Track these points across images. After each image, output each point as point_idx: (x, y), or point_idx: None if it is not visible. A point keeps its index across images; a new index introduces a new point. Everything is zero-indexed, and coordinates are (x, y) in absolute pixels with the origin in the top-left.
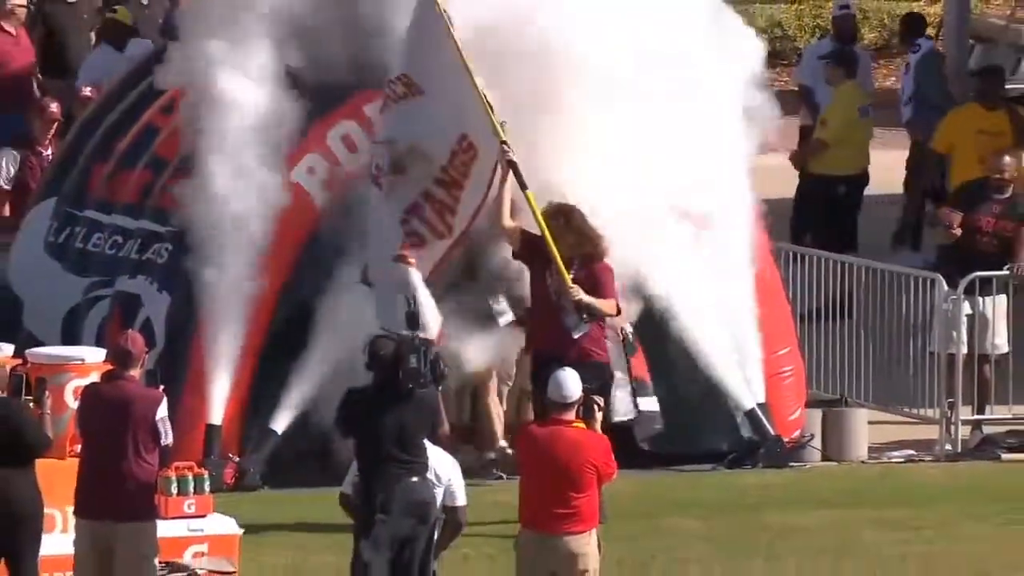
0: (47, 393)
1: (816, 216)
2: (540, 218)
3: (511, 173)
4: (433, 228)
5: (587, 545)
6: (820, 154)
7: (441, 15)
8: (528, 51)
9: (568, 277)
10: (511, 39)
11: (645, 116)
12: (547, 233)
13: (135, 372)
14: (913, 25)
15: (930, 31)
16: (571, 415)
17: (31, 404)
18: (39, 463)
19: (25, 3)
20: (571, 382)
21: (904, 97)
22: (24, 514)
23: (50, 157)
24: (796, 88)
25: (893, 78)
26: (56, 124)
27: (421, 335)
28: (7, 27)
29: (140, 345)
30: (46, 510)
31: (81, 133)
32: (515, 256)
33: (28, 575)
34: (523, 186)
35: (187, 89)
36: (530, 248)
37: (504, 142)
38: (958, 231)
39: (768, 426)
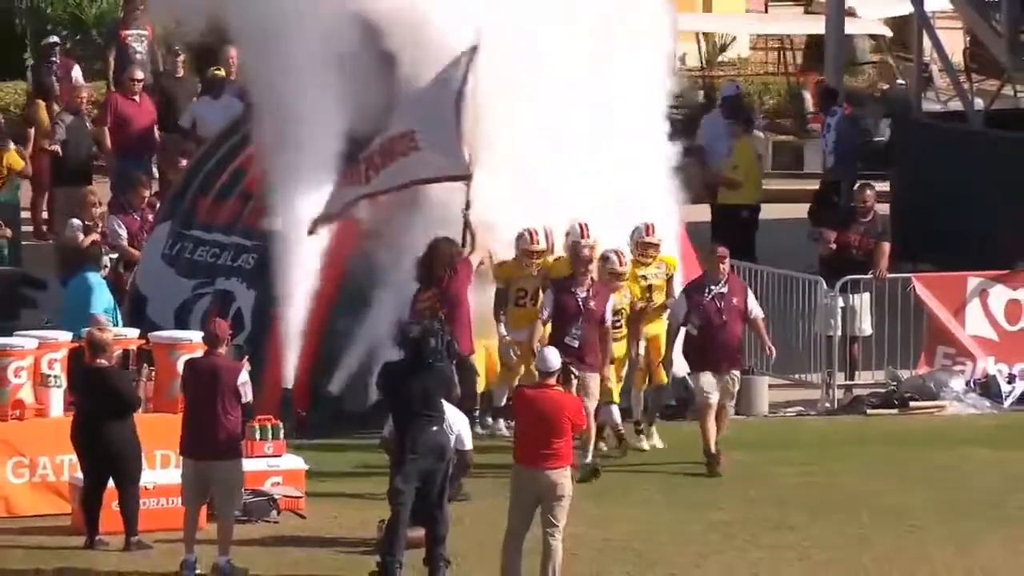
0: (147, 366)
1: (726, 234)
2: None
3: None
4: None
5: (564, 477)
6: (734, 189)
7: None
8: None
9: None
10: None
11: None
12: None
13: (222, 350)
14: (830, 95)
15: None
16: (553, 380)
17: (132, 373)
18: (157, 417)
19: (142, 78)
20: (553, 358)
21: (828, 149)
22: (121, 453)
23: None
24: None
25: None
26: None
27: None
28: (130, 96)
29: (225, 330)
30: (163, 451)
31: (189, 174)
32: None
33: (129, 495)
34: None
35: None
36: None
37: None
38: (834, 246)
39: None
